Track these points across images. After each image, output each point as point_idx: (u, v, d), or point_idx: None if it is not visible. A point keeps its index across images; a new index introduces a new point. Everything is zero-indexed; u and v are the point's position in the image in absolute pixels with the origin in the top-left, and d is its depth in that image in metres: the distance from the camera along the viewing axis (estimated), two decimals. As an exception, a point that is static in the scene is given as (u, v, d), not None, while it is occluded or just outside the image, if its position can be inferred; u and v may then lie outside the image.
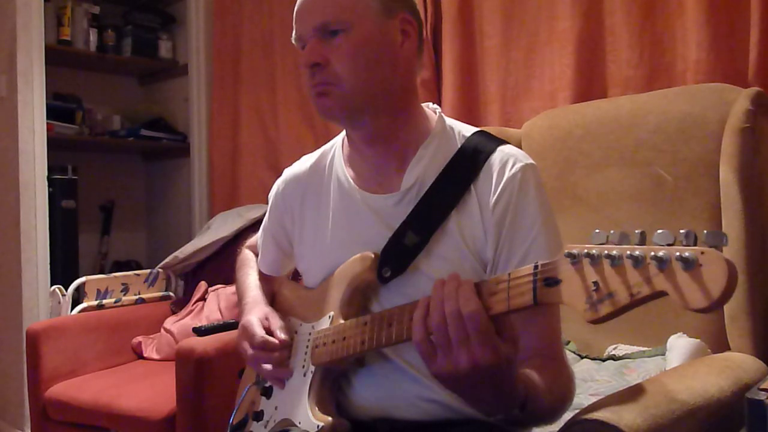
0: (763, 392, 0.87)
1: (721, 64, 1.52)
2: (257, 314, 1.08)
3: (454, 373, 0.73)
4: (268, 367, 1.03)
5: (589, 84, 1.78)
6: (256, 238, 1.28)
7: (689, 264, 0.57)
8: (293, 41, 1.00)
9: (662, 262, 0.58)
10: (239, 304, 1.20)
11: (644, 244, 0.61)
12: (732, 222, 1.26)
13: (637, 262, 0.60)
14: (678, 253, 0.57)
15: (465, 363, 0.72)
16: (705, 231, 0.58)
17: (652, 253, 0.59)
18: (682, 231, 0.59)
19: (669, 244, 0.59)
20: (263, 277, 1.22)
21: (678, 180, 1.38)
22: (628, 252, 0.61)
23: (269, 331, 1.05)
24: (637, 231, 0.62)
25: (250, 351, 1.05)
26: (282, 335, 1.04)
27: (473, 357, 0.71)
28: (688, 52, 1.58)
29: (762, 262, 1.24)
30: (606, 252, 0.62)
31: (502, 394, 0.77)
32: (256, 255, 1.26)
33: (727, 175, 1.28)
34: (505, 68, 1.95)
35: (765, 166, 1.30)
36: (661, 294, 0.59)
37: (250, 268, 1.25)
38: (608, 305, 0.62)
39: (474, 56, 2.03)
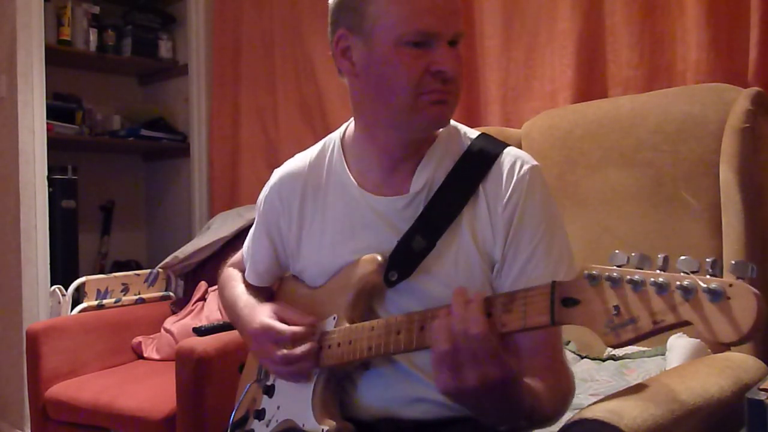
0: (763, 392, 0.87)
1: (721, 64, 1.52)
2: (264, 314, 1.00)
3: (461, 390, 0.73)
4: (291, 369, 0.97)
5: (589, 84, 1.78)
6: (239, 254, 1.22)
7: (716, 296, 0.55)
8: (410, 34, 0.86)
9: (688, 292, 0.57)
10: (232, 315, 1.13)
11: (667, 270, 0.60)
12: (732, 222, 1.26)
13: (662, 289, 0.59)
14: (705, 285, 0.56)
15: (473, 381, 0.72)
16: (732, 261, 0.57)
17: (678, 282, 0.58)
18: (708, 259, 0.57)
19: (693, 272, 0.58)
20: (252, 289, 1.16)
21: (678, 180, 1.38)
22: (652, 279, 0.59)
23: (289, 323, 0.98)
24: (660, 255, 0.61)
25: (279, 353, 0.95)
26: (308, 319, 0.97)
27: (481, 374, 0.71)
28: (688, 52, 1.58)
29: (762, 262, 1.24)
30: (628, 276, 0.61)
31: (510, 408, 0.77)
32: (242, 271, 1.20)
33: (727, 175, 1.28)
34: (505, 68, 1.95)
35: (765, 166, 1.30)
36: (686, 323, 0.58)
37: (236, 282, 1.18)
38: (630, 331, 0.61)
39: (474, 56, 2.02)
